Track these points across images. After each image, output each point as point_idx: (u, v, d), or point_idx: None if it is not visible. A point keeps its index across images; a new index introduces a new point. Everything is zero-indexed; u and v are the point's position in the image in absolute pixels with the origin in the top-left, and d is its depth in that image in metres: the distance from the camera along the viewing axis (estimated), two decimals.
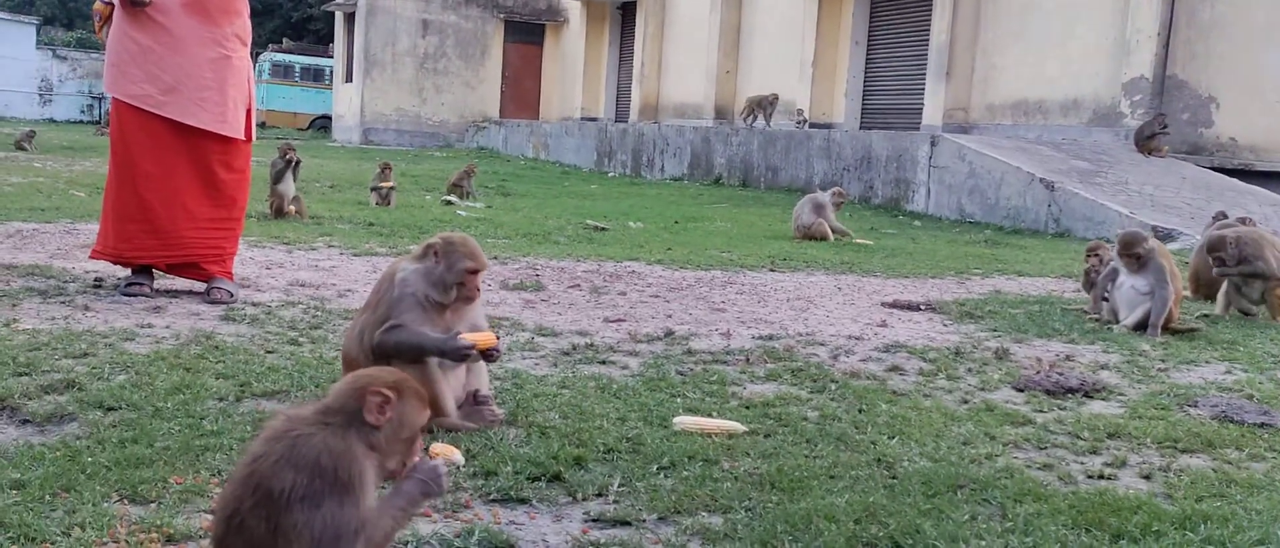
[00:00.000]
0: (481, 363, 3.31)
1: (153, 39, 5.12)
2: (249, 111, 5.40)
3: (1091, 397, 4.05)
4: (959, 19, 16.95)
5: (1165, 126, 13.43)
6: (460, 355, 3.14)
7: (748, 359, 4.44)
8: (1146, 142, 13.40)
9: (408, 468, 1.98)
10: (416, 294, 3.15)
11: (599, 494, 2.72)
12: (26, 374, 3.49)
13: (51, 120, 35.82)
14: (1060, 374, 4.27)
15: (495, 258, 7.38)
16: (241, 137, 5.34)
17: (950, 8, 16.96)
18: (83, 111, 38.20)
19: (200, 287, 5.32)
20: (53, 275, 5.53)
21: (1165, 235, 9.90)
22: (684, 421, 3.33)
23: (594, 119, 27.68)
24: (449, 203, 12.29)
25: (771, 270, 7.58)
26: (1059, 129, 15.41)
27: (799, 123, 18.99)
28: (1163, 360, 4.83)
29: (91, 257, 5.41)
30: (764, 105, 18.95)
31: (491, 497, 2.67)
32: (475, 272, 3.18)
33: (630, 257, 7.90)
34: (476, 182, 13.77)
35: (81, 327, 4.33)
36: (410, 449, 1.99)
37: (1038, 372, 4.35)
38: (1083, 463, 3.20)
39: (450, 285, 3.15)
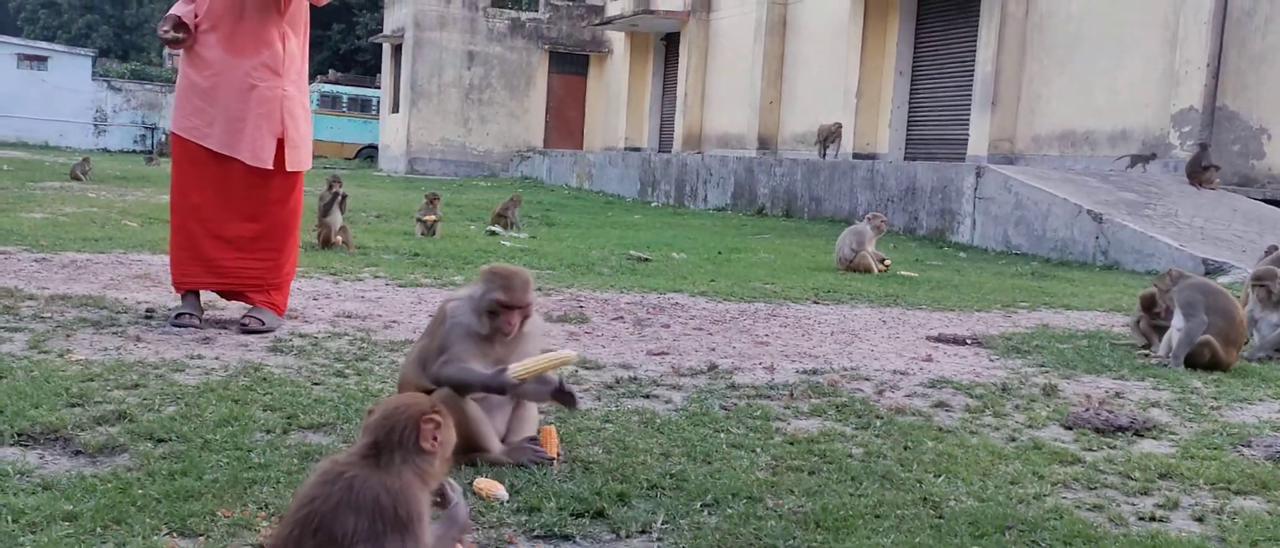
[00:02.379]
0: (532, 409, 3.34)
1: (198, 73, 5.33)
2: (281, 142, 5.34)
3: (1142, 435, 3.98)
4: (1004, 49, 16.87)
5: (1207, 154, 13.27)
6: (510, 390, 3.14)
7: (791, 394, 4.41)
8: (1201, 173, 13.22)
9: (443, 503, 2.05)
10: (466, 325, 3.16)
11: (643, 532, 2.71)
12: (79, 405, 3.55)
13: (106, 150, 36.57)
14: (1110, 412, 4.21)
15: (539, 289, 7.39)
16: (269, 167, 5.31)
17: (996, 38, 16.89)
18: (136, 142, 38.98)
19: None
20: (105, 306, 5.63)
21: (1215, 269, 9.74)
22: (517, 367, 3.15)
23: (637, 149, 27.79)
24: (494, 233, 12.37)
25: (815, 303, 7.54)
26: (1107, 160, 15.25)
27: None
28: (1215, 399, 4.74)
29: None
30: (833, 136, 18.79)
31: (535, 533, 2.67)
32: (505, 305, 3.12)
33: (674, 288, 7.90)
34: (521, 211, 13.86)
35: (133, 358, 4.40)
36: (444, 473, 2.04)
37: (1087, 409, 4.29)
38: (1134, 504, 3.15)
39: (483, 314, 3.14)
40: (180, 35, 5.25)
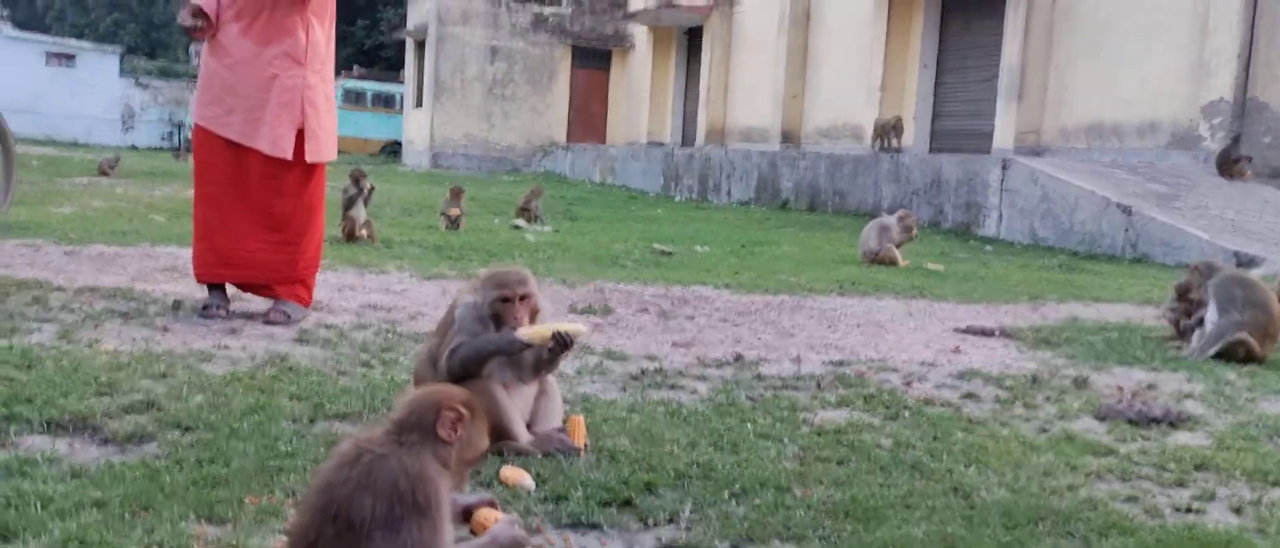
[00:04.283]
0: (557, 399, 3.34)
1: (219, 63, 5.31)
2: (301, 132, 5.29)
3: (1177, 427, 3.93)
4: (1031, 40, 16.71)
5: (1239, 146, 13.12)
6: (518, 349, 3.15)
7: (819, 385, 4.38)
8: (1231, 164, 13.07)
9: (492, 527, 2.04)
10: (471, 330, 3.19)
11: (670, 520, 2.69)
12: (108, 394, 3.56)
13: (133, 147, 36.79)
14: (1144, 404, 4.15)
15: (563, 281, 7.39)
16: (288, 157, 5.28)
17: (1022, 29, 16.73)
18: (164, 138, 39.22)
19: None
20: (134, 297, 5.65)
21: (1248, 261, 9.62)
22: (524, 331, 3.18)
23: (660, 143, 27.75)
24: (517, 227, 12.37)
25: (840, 295, 7.50)
26: (1135, 152, 15.09)
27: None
28: (1249, 391, 4.68)
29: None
30: (893, 129, 18.38)
31: (562, 522, 2.65)
32: (506, 300, 3.18)
33: (698, 281, 7.87)
34: (544, 205, 13.85)
35: (161, 348, 4.41)
36: (468, 472, 2.02)
37: (1120, 400, 4.23)
38: (1169, 496, 3.10)
39: (489, 319, 3.19)
40: (199, 23, 5.23)
